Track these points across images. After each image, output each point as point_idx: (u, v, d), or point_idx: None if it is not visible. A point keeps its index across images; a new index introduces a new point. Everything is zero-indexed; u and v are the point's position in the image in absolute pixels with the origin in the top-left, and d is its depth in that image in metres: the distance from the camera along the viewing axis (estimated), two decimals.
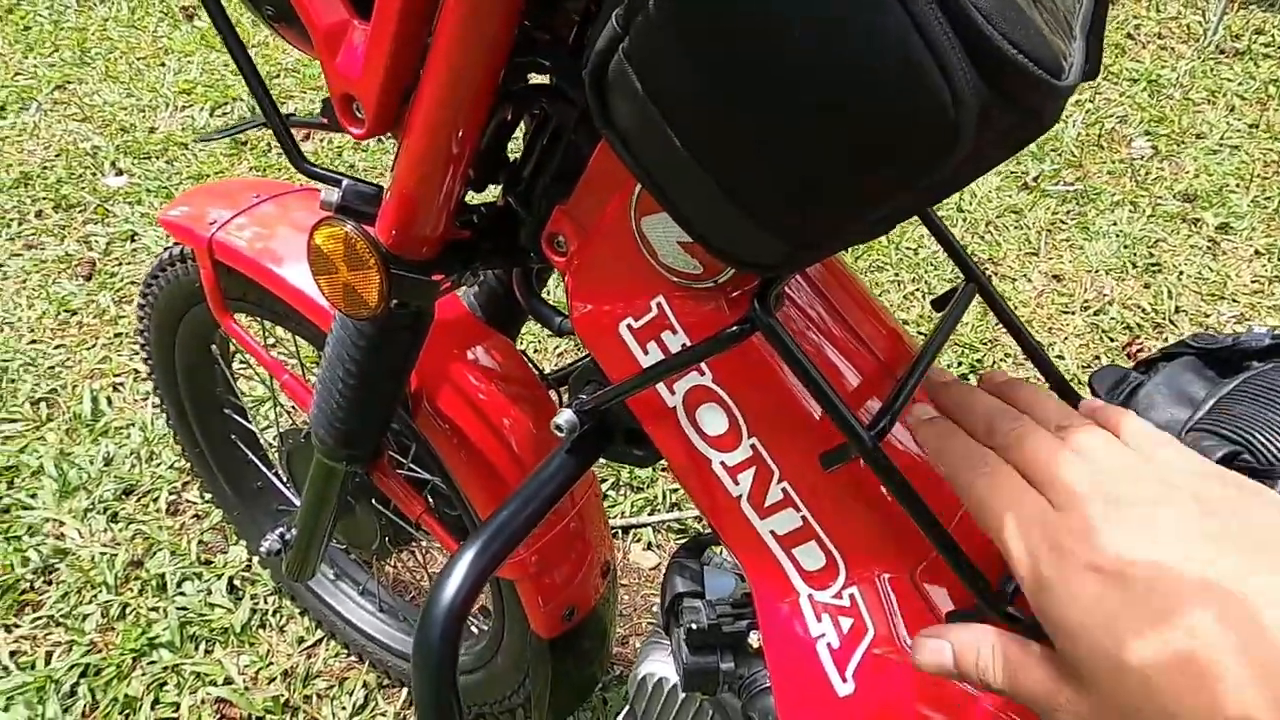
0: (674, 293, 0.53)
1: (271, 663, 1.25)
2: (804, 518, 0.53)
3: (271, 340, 1.05)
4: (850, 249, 1.73)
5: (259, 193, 0.87)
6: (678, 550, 0.67)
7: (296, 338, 0.92)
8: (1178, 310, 1.84)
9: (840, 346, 0.54)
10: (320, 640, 1.28)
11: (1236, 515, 0.33)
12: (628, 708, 0.79)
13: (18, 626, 1.28)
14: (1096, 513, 0.34)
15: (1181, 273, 1.92)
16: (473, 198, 0.62)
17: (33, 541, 1.39)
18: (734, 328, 0.47)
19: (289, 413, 1.43)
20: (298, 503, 0.96)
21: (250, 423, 1.17)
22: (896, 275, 1.91)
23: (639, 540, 1.45)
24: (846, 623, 0.53)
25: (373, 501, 0.98)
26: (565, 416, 0.56)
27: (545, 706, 0.96)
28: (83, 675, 1.21)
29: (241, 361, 1.67)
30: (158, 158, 2.38)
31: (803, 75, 0.31)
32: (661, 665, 0.74)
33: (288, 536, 0.98)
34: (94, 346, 1.81)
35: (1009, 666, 0.38)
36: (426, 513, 0.84)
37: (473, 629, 1.11)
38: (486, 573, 0.52)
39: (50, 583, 1.34)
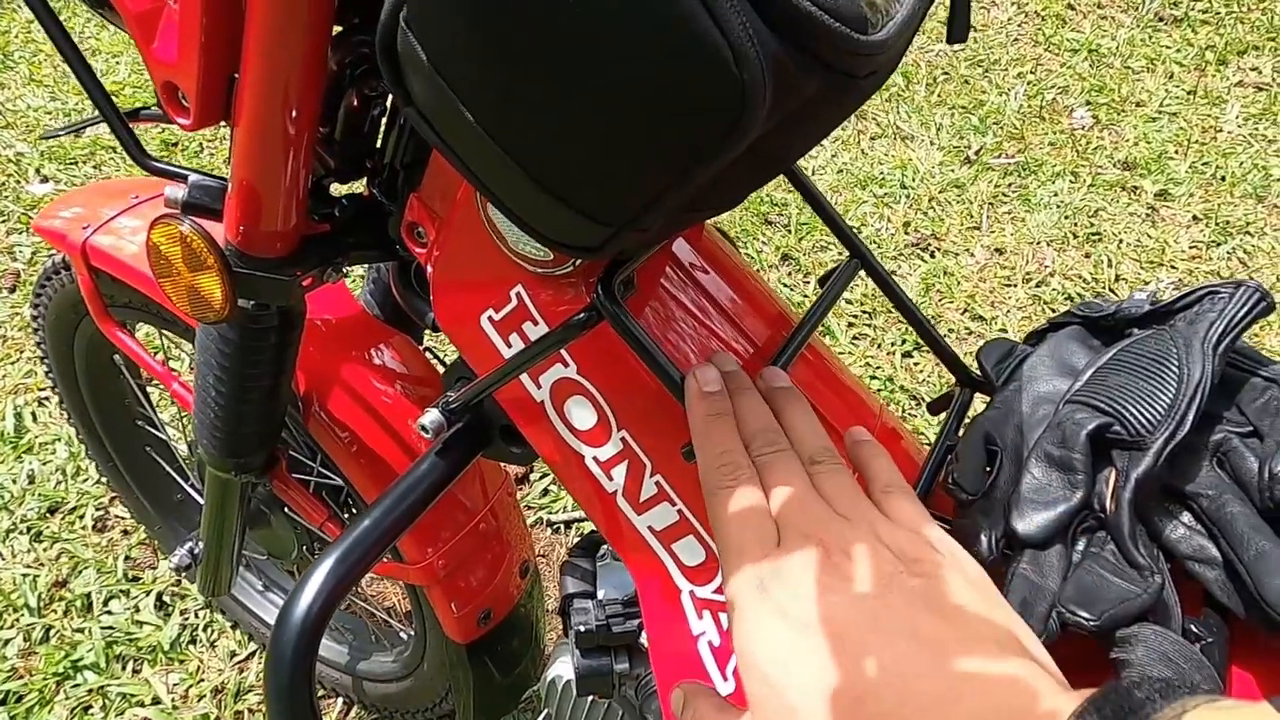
0: (532, 282, 0.50)
1: (202, 679, 1.21)
2: (679, 511, 0.51)
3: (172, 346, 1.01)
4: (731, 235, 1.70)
5: (138, 193, 0.83)
6: (571, 549, 0.65)
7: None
8: (1118, 279, 1.84)
9: (710, 331, 0.51)
10: (253, 653, 1.24)
11: (931, 586, 0.34)
12: (543, 712, 0.77)
13: None
14: (807, 561, 0.35)
15: (1121, 241, 1.92)
16: (338, 190, 0.58)
17: None
18: (580, 315, 0.45)
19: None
20: None
21: (163, 434, 1.13)
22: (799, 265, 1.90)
23: (580, 534, 1.42)
24: (725, 619, 0.50)
25: (285, 510, 0.95)
26: (430, 416, 0.53)
27: (471, 713, 0.93)
28: (2, 703, 1.17)
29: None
30: (84, 163, 2.30)
31: (575, 33, 0.28)
32: (569, 667, 0.71)
33: (196, 551, 0.94)
34: (17, 361, 1.74)
35: (693, 712, 0.40)
36: (330, 520, 0.81)
37: (401, 635, 1.08)
38: (346, 585, 0.49)
39: None
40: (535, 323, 0.50)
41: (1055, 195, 2.01)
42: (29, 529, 1.40)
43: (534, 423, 0.53)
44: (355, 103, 0.53)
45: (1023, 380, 0.52)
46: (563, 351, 0.50)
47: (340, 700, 1.19)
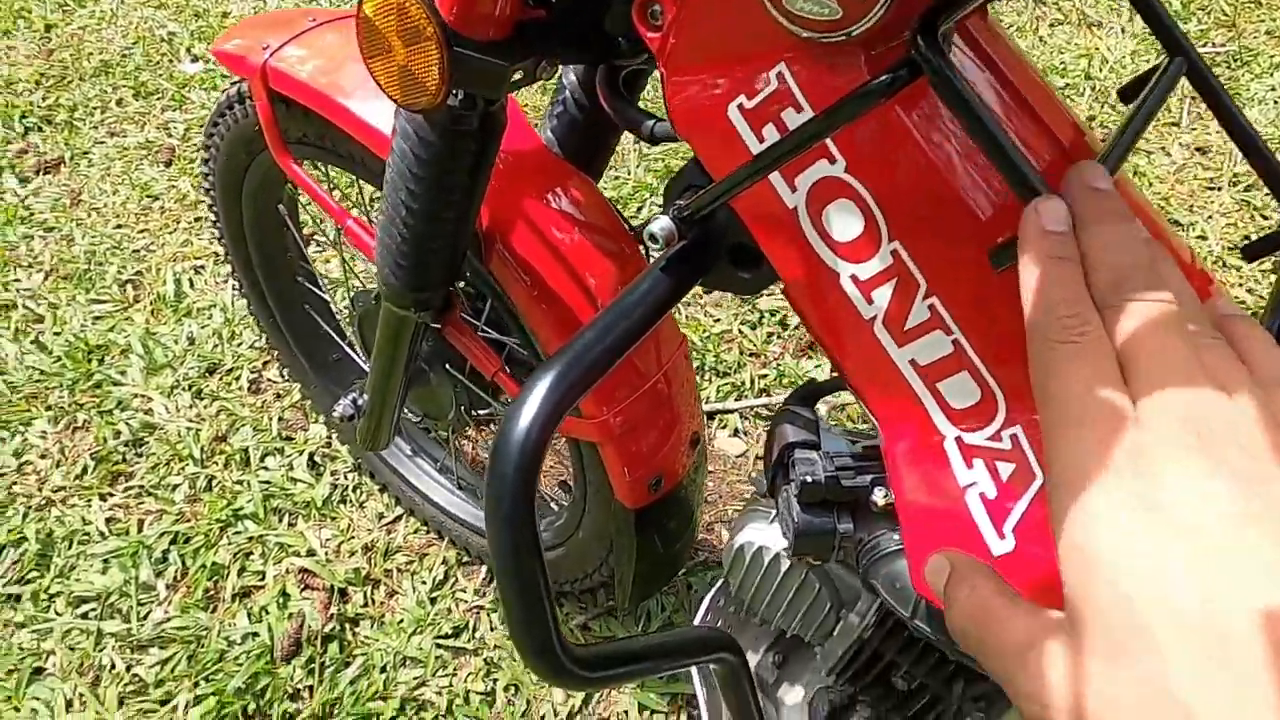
0: (798, 56, 0.42)
1: (352, 537, 1.23)
2: (955, 342, 0.43)
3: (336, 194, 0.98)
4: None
5: (315, 18, 0.78)
6: (788, 398, 0.58)
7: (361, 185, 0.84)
8: None
9: (1015, 125, 0.42)
10: (399, 517, 1.26)
11: None
12: (721, 581, 0.72)
13: (112, 495, 1.30)
14: (1181, 444, 0.26)
15: None
16: None
17: (123, 416, 1.40)
18: (884, 76, 0.37)
19: (359, 277, 1.38)
20: None
21: (323, 291, 1.12)
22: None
23: (725, 426, 1.37)
24: (1006, 468, 0.43)
25: (447, 367, 0.92)
26: (660, 223, 0.47)
27: (629, 583, 0.90)
28: (173, 542, 1.23)
29: (313, 227, 1.64)
30: None
31: None
32: (761, 533, 0.66)
33: (360, 402, 0.93)
34: (175, 230, 1.80)
35: (981, 614, 0.30)
36: (502, 371, 0.77)
37: (552, 505, 1.06)
38: (565, 403, 0.44)
39: (140, 455, 1.36)
40: (798, 109, 0.42)
41: (1272, 90, 1.76)
42: (190, 386, 1.45)
43: (780, 235, 0.45)
44: None
45: None
46: (830, 144, 0.42)
47: (484, 567, 1.19)
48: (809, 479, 0.50)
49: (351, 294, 0.96)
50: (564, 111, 0.74)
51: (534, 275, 0.70)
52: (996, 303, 0.41)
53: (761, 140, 0.44)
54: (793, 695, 0.83)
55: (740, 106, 0.44)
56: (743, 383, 1.41)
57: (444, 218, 0.61)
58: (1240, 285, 1.49)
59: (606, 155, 0.77)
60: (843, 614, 0.65)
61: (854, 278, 0.44)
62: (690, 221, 0.47)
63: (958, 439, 0.44)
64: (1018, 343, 0.42)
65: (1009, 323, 0.42)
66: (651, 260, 0.50)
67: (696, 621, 0.78)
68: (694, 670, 0.74)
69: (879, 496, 0.51)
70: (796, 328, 1.49)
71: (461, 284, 0.81)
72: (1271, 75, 1.80)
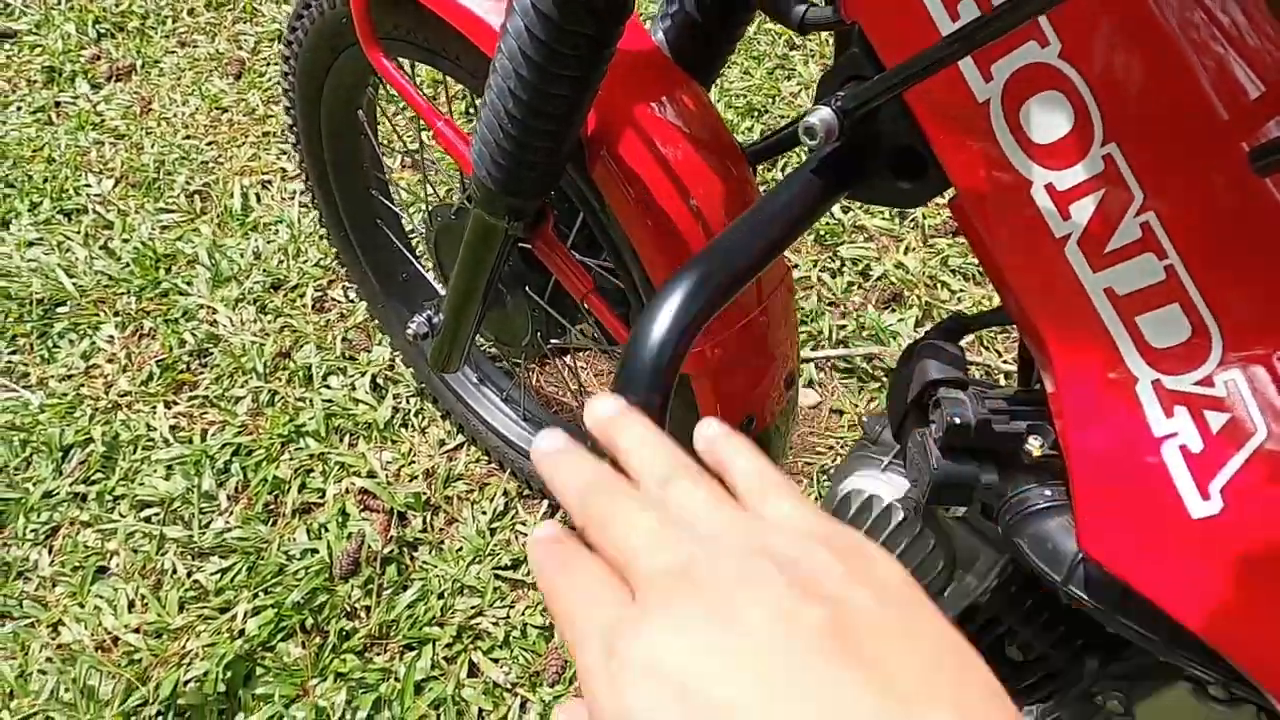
0: None
1: (413, 461, 1.21)
2: (1169, 268, 0.37)
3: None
4: None
5: None
6: (930, 331, 0.52)
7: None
8: None
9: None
10: (461, 445, 1.23)
11: (837, 615, 0.23)
12: None
13: (176, 404, 1.29)
14: (669, 601, 0.24)
15: None
16: None
17: (188, 325, 1.40)
18: None
19: (437, 191, 1.34)
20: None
21: (396, 206, 1.08)
22: None
23: (800, 375, 1.31)
24: (1218, 420, 0.37)
25: (526, 290, 0.88)
26: (820, 115, 0.41)
27: None
28: (234, 454, 1.22)
29: (391, 141, 1.59)
30: None
31: None
32: (871, 481, 0.61)
33: (435, 320, 0.89)
34: (243, 144, 1.77)
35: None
36: (593, 293, 0.72)
37: None
38: (707, 310, 0.39)
39: (205, 365, 1.35)
40: None
41: None
42: (255, 300, 1.44)
43: (963, 135, 0.39)
44: None
45: None
46: (1043, 23, 0.36)
47: (545, 501, 1.16)
48: (957, 420, 0.45)
49: (430, 208, 0.91)
50: (679, 10, 0.67)
51: (640, 188, 0.64)
52: (1235, 220, 0.35)
53: (956, 18, 0.37)
54: None
55: None
56: (819, 332, 1.35)
57: (551, 114, 0.56)
58: None
59: (720, 63, 0.71)
60: (956, 575, 0.60)
61: (1049, 187, 0.38)
62: (853, 116, 0.41)
63: (1155, 382, 0.38)
64: (1249, 272, 0.36)
65: (1245, 245, 0.35)
66: (799, 165, 0.44)
67: None
68: None
69: (1034, 446, 0.46)
70: (879, 278, 1.41)
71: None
72: None
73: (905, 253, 1.44)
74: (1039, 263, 0.40)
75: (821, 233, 1.49)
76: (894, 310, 1.37)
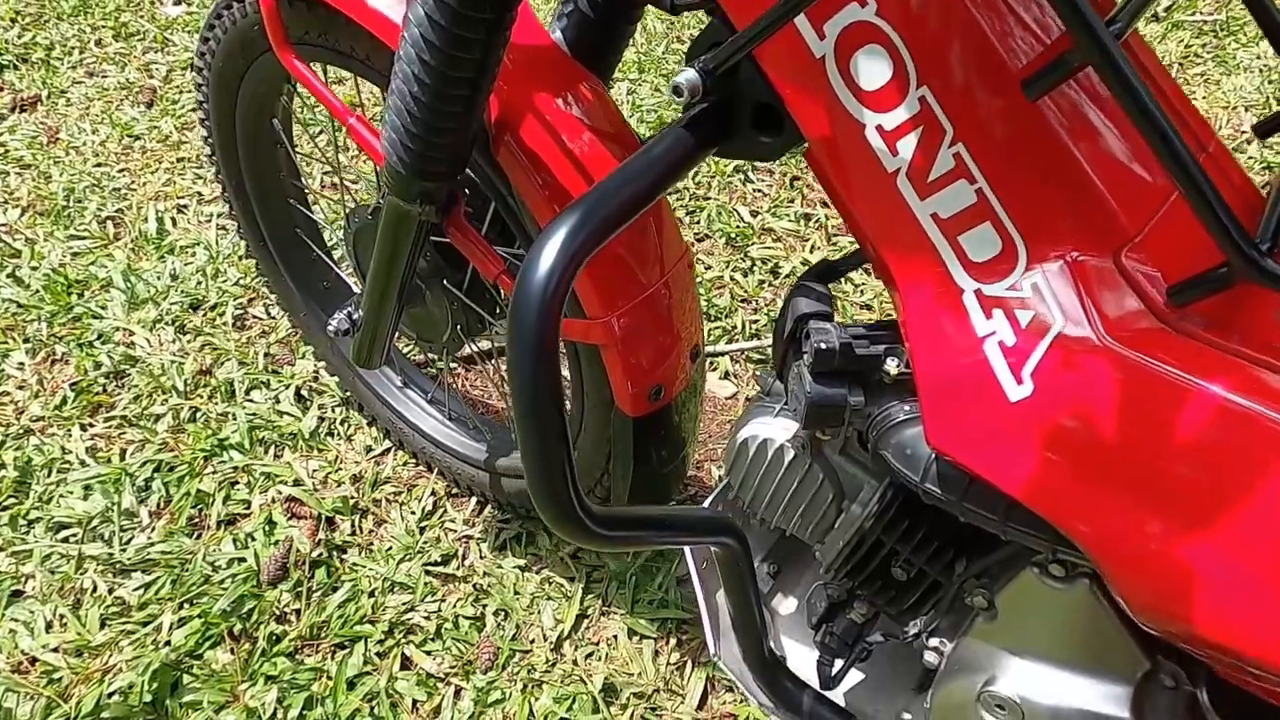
0: None
1: (340, 468, 1.22)
2: (979, 191, 0.43)
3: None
4: None
5: None
6: (803, 275, 0.58)
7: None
8: None
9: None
10: (388, 450, 1.25)
11: None
12: (724, 482, 0.72)
13: (92, 425, 1.28)
14: None
15: None
16: None
17: (104, 348, 1.38)
18: None
19: (353, 196, 1.36)
20: None
21: (312, 212, 1.11)
22: None
23: (715, 369, 1.37)
24: (1025, 316, 0.43)
25: (444, 284, 0.91)
26: (686, 75, 0.47)
27: (625, 498, 0.90)
28: (156, 471, 1.21)
29: (305, 148, 1.61)
30: None
31: None
32: (766, 426, 0.66)
33: (355, 316, 0.92)
34: (157, 170, 1.77)
35: None
36: (505, 273, 0.77)
37: None
38: (586, 247, 0.44)
39: (122, 386, 1.34)
40: None
41: (1258, 58, 1.78)
42: (174, 321, 1.43)
43: (806, 88, 0.46)
44: None
45: None
46: None
47: (473, 499, 1.18)
48: (823, 345, 0.51)
49: (348, 210, 0.95)
50: (574, 9, 0.73)
51: (543, 169, 0.69)
52: (1022, 143, 0.42)
53: None
54: (787, 605, 0.83)
55: None
56: (734, 327, 1.42)
57: (454, 95, 0.61)
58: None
59: (616, 58, 0.77)
60: (844, 506, 0.65)
61: (879, 128, 0.44)
62: (714, 76, 0.47)
63: (977, 291, 0.45)
64: (1040, 185, 0.43)
65: (1033, 164, 0.42)
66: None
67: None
68: (693, 570, 0.74)
69: (891, 366, 0.52)
70: (788, 275, 1.49)
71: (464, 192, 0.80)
72: (1258, 44, 1.83)
73: (811, 251, 1.52)
74: (877, 197, 0.46)
75: (732, 235, 1.57)
76: None
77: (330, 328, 0.93)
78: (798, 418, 0.55)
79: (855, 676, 0.77)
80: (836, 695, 0.73)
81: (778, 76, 0.46)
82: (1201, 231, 0.38)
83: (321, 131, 1.75)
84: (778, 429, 0.66)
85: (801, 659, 0.77)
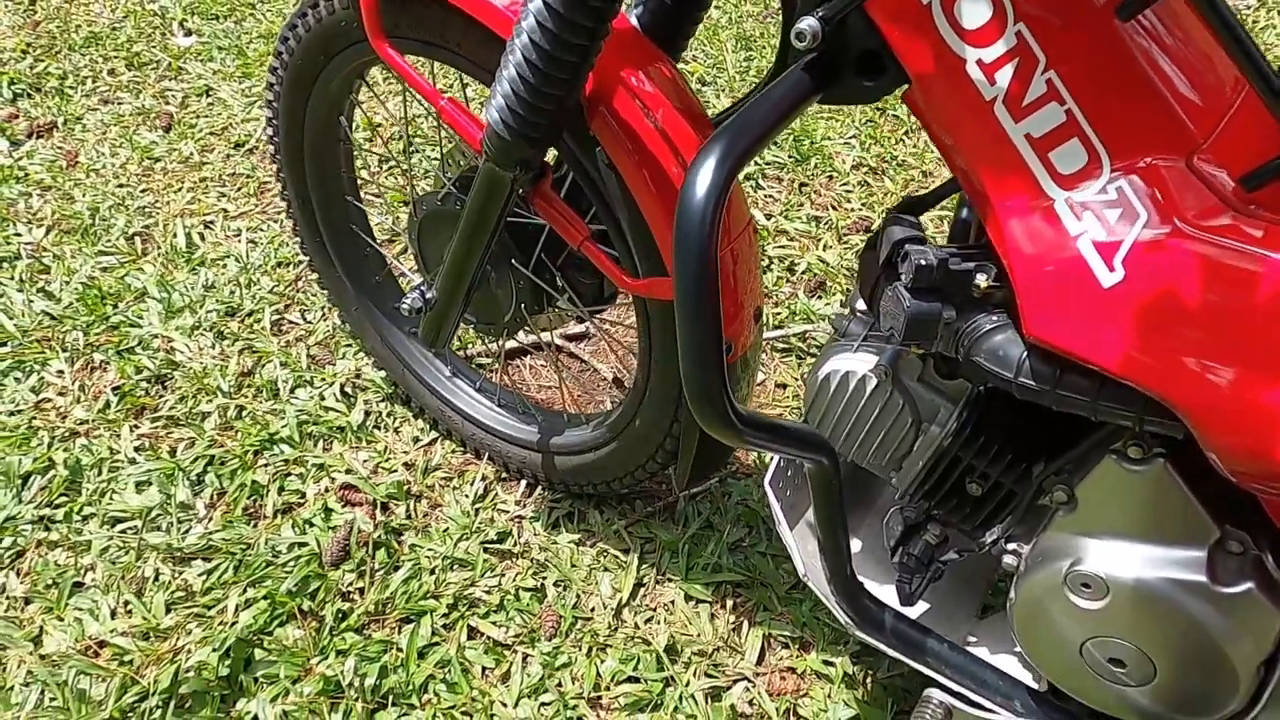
0: None
1: (390, 458, 1.26)
2: (1068, 111, 0.51)
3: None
4: None
5: None
6: (892, 209, 0.65)
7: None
8: None
9: None
10: (435, 440, 1.29)
11: None
12: (802, 417, 0.79)
13: (139, 426, 1.30)
14: None
15: None
16: None
17: (144, 354, 1.41)
18: None
19: (415, 188, 1.42)
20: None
21: (369, 207, 1.16)
22: None
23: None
24: (1113, 214, 0.51)
25: (512, 263, 0.97)
26: (808, 21, 0.54)
27: (689, 464, 0.96)
28: (208, 465, 1.24)
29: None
30: (225, 18, 2.35)
31: None
32: (845, 361, 0.73)
33: (429, 295, 0.97)
34: (180, 190, 1.81)
35: None
36: (589, 240, 0.83)
37: (606, 404, 1.11)
38: (735, 167, 0.51)
39: (165, 389, 1.36)
40: None
41: None
42: (212, 328, 1.46)
43: (913, 30, 0.53)
44: None
45: None
46: None
47: (523, 482, 1.23)
48: (923, 262, 0.58)
49: (414, 198, 1.01)
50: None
51: (634, 137, 0.76)
52: (1106, 67, 0.50)
53: None
54: (853, 544, 0.89)
55: None
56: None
57: (566, 63, 0.68)
58: None
59: (685, 41, 0.85)
60: (923, 429, 0.72)
61: (979, 61, 0.52)
62: (831, 23, 0.55)
63: (1067, 199, 0.52)
64: (1120, 103, 0.50)
65: (1115, 84, 0.50)
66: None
67: (766, 483, 0.84)
68: (774, 502, 0.80)
69: (980, 280, 0.59)
70: (804, 271, 1.57)
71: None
72: None
73: (824, 249, 1.61)
74: (976, 124, 0.54)
75: None
76: (820, 296, 1.53)
77: (405, 305, 0.98)
78: (895, 335, 0.61)
79: (922, 606, 0.83)
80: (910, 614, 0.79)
81: (886, 23, 0.54)
82: (1259, 136, 0.46)
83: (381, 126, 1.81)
84: (858, 362, 0.73)
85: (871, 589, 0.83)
